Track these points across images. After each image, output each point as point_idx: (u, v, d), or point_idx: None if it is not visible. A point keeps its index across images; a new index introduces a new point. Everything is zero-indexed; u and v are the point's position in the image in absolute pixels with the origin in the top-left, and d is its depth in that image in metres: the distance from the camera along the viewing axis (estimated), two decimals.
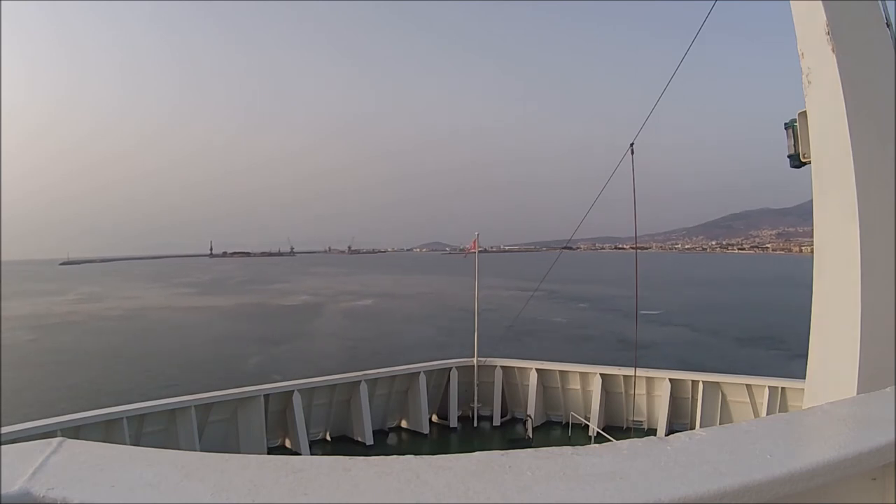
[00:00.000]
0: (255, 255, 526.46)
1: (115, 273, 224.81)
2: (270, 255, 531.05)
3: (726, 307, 63.30)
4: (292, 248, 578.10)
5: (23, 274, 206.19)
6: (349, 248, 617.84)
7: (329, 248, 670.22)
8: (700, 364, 33.05)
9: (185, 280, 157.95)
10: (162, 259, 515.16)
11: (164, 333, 60.14)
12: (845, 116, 3.46)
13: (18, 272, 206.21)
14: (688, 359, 35.44)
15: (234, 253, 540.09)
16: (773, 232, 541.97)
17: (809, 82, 3.75)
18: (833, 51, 3.50)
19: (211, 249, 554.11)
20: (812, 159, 3.88)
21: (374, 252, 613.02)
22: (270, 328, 61.79)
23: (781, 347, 38.13)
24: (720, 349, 39.32)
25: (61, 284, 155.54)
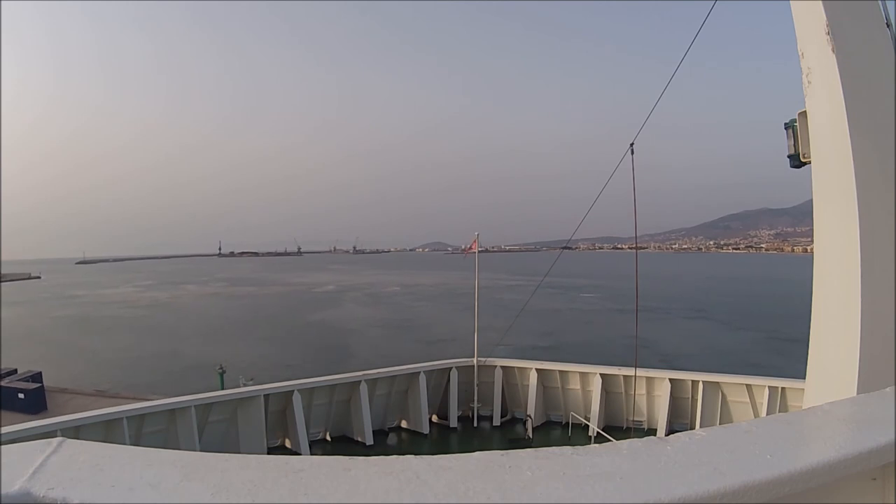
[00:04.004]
0: (262, 254, 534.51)
1: (137, 271, 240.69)
2: (278, 254, 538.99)
3: (654, 292, 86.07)
4: (299, 248, 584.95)
5: (55, 272, 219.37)
6: (354, 248, 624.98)
7: (334, 247, 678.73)
8: (598, 318, 62.66)
9: (215, 276, 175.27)
10: (172, 259, 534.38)
11: (254, 308, 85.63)
12: (845, 116, 3.45)
13: (48, 270, 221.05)
14: (594, 319, 66.33)
15: (242, 253, 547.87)
16: (771, 232, 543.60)
17: (809, 82, 3.74)
18: (833, 51, 3.50)
19: (220, 249, 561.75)
20: (812, 159, 3.87)
21: (377, 252, 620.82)
22: (321, 304, 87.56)
23: (658, 315, 62.72)
24: (621, 314, 65.11)
25: (106, 280, 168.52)
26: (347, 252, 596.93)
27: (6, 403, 34.74)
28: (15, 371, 40.19)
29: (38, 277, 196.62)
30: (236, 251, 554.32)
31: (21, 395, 35.68)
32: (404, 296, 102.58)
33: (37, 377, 39.15)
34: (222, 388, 38.43)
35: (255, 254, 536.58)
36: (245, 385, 37.47)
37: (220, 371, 37.35)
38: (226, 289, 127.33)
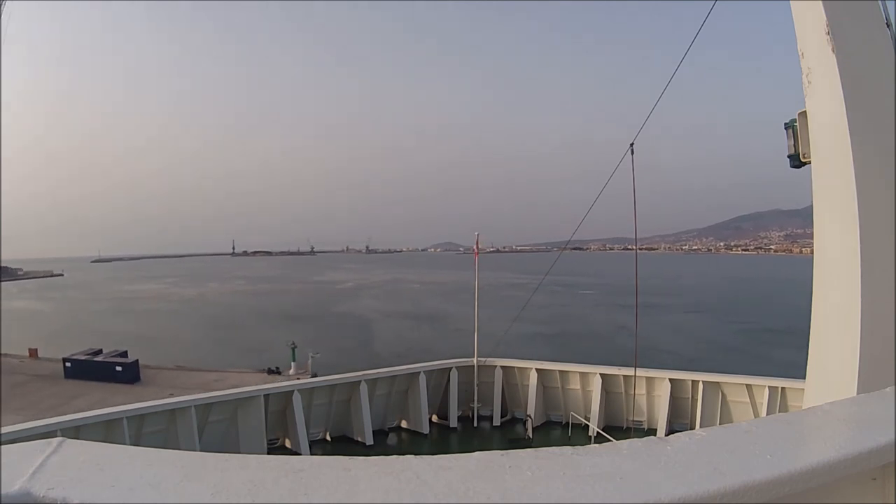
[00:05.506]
0: (275, 254, 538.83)
1: (154, 269, 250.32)
2: (291, 254, 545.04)
3: (651, 289, 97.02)
4: (312, 248, 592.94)
5: (73, 269, 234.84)
6: (367, 247, 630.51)
7: (346, 247, 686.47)
8: (593, 310, 78.34)
9: (234, 275, 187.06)
10: (185, 258, 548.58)
11: (286, 302, 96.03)
12: (845, 116, 3.44)
13: (66, 268, 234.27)
14: (590, 311, 78.90)
15: (256, 252, 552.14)
16: (782, 233, 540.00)
17: (809, 82, 3.74)
18: (833, 51, 3.49)
19: (233, 248, 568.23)
20: (812, 159, 3.86)
21: (390, 252, 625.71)
22: (346, 299, 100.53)
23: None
24: (613, 307, 77.71)
25: (126, 277, 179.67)
26: (360, 252, 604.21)
27: (106, 376, 39.95)
28: (101, 351, 45.28)
29: (61, 275, 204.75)
30: (249, 250, 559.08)
31: (119, 369, 40.94)
32: (423, 292, 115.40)
33: (124, 354, 44.60)
34: (294, 360, 41.37)
35: (269, 253, 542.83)
36: (313, 358, 40.64)
37: (292, 346, 41.14)
38: (248, 286, 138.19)
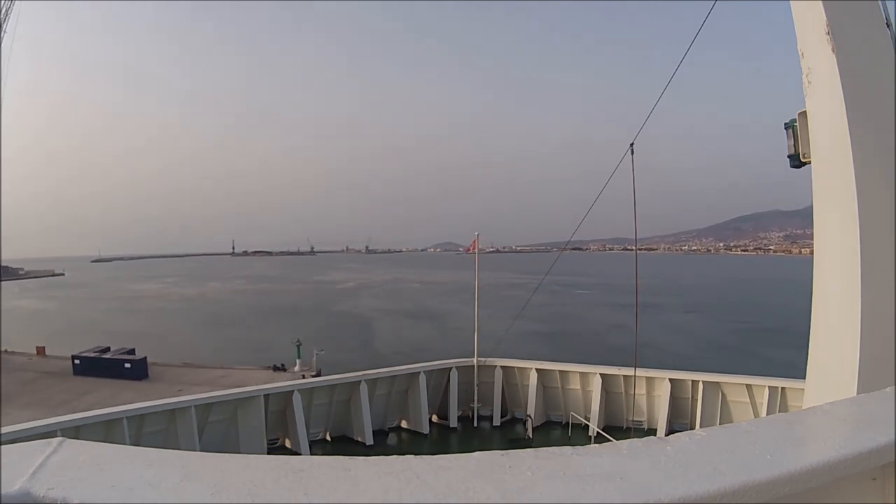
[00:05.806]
0: (275, 254, 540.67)
1: (154, 269, 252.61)
2: (291, 254, 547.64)
3: (645, 290, 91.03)
4: (312, 248, 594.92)
5: (74, 269, 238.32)
6: (367, 247, 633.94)
7: (346, 247, 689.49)
8: (589, 309, 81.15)
9: (235, 274, 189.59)
10: (185, 257, 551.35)
11: (289, 302, 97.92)
12: (845, 116, 3.44)
13: (66, 267, 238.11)
14: (586, 309, 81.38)
15: (256, 252, 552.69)
16: (781, 234, 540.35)
17: (809, 82, 3.73)
18: (833, 51, 3.49)
19: (233, 248, 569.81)
20: (812, 159, 3.86)
21: (390, 252, 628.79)
22: (348, 298, 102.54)
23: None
24: (608, 305, 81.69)
25: (127, 276, 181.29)
26: (360, 252, 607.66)
27: (115, 373, 40.72)
28: (108, 348, 45.91)
29: (62, 274, 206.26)
30: (249, 250, 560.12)
31: (127, 366, 41.65)
32: (423, 292, 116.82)
33: (131, 352, 45.47)
34: (299, 358, 42.01)
35: (269, 253, 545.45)
36: (318, 355, 41.22)
37: (298, 343, 42.17)
38: (249, 285, 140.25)
